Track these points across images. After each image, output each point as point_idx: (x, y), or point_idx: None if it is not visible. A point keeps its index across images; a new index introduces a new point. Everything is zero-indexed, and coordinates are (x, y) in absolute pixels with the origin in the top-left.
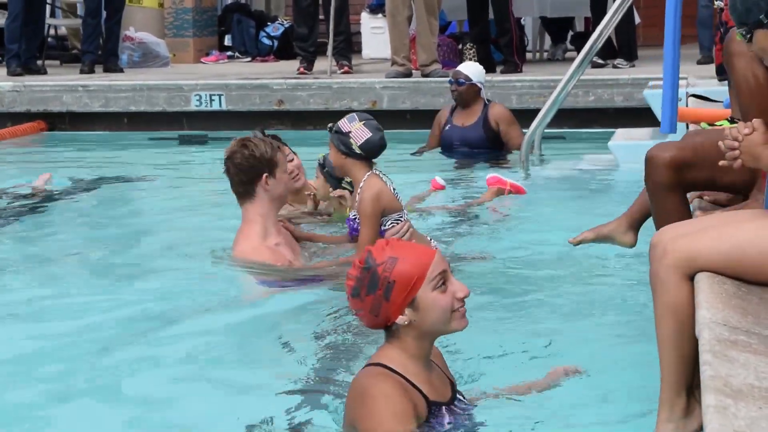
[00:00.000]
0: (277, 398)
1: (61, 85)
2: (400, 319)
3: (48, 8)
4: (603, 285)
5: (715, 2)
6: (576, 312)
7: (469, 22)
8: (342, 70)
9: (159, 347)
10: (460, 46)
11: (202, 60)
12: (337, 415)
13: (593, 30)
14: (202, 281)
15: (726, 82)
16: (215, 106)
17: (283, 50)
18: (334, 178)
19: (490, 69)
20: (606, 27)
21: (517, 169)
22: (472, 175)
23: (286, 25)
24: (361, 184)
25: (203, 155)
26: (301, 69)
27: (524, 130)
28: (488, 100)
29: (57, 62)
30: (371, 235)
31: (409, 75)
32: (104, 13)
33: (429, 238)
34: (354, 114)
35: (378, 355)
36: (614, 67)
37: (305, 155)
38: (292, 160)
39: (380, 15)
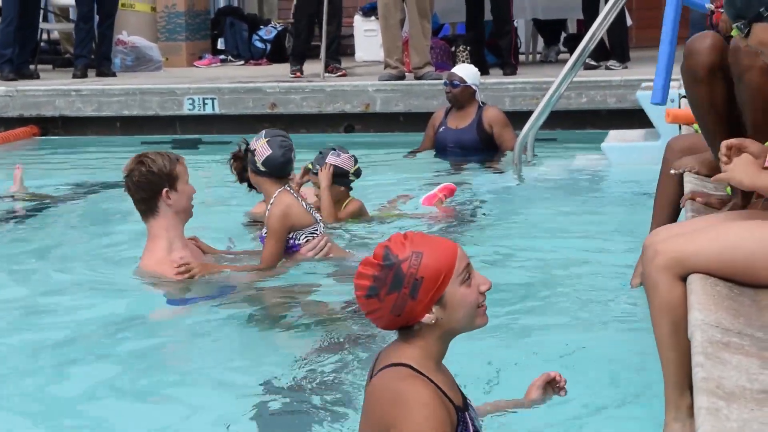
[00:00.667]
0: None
1: (53, 89)
2: (427, 318)
3: (40, 12)
4: (598, 285)
5: (707, 5)
6: (570, 313)
7: (467, 23)
8: (339, 74)
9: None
10: (453, 49)
11: (194, 64)
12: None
13: (586, 32)
14: (109, 295)
15: None
16: (208, 110)
17: (276, 54)
18: (341, 177)
19: (483, 71)
20: (598, 29)
21: (510, 171)
22: (465, 177)
23: (279, 29)
24: (271, 201)
25: (196, 159)
26: (297, 73)
27: (517, 132)
28: (483, 103)
29: (50, 66)
30: (274, 250)
31: (402, 77)
32: (97, 18)
33: (348, 251)
34: (264, 130)
35: (399, 354)
36: (607, 68)
37: (299, 159)
38: None
39: (373, 18)
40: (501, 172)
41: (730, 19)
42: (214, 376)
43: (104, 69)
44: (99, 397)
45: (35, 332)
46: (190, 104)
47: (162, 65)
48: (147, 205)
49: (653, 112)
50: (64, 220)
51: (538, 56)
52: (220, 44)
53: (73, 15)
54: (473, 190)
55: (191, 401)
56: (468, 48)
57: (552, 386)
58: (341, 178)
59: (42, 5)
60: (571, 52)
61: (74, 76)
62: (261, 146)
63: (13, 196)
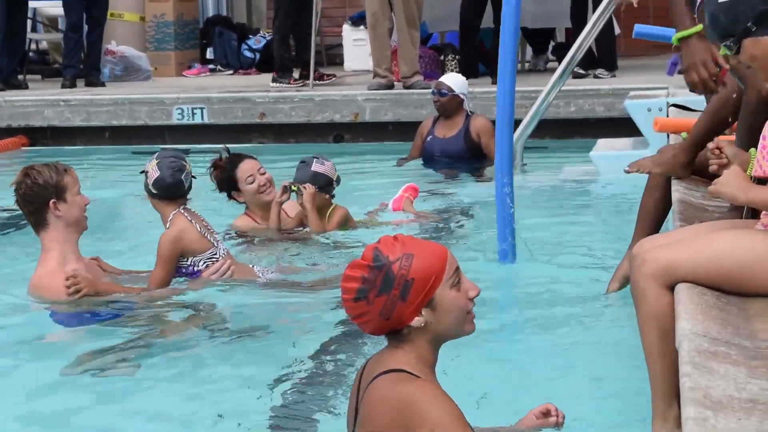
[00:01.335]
0: None
1: (42, 99)
2: (416, 321)
3: (29, 23)
4: (586, 293)
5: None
6: (557, 321)
7: (461, 28)
8: (328, 80)
9: None
10: (441, 58)
11: (183, 73)
12: None
13: (574, 41)
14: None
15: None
16: (197, 120)
17: (265, 63)
18: (326, 186)
19: (473, 75)
20: (586, 37)
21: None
22: (452, 186)
23: (268, 38)
24: (167, 224)
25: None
26: (291, 80)
27: None
28: (471, 112)
29: (38, 77)
30: (162, 275)
31: (391, 87)
32: (86, 27)
33: (255, 268)
34: (160, 152)
35: (392, 360)
36: (595, 77)
37: (289, 168)
38: (263, 174)
39: (362, 27)
40: (489, 181)
41: (715, 40)
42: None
43: (93, 79)
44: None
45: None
46: (179, 114)
47: (151, 75)
48: (36, 218)
49: (642, 121)
50: None
51: (526, 65)
52: (209, 54)
53: (61, 25)
54: (461, 199)
55: None
56: (457, 57)
57: (548, 418)
58: (327, 187)
59: (30, 15)
60: (559, 60)
61: (63, 86)
62: (152, 168)
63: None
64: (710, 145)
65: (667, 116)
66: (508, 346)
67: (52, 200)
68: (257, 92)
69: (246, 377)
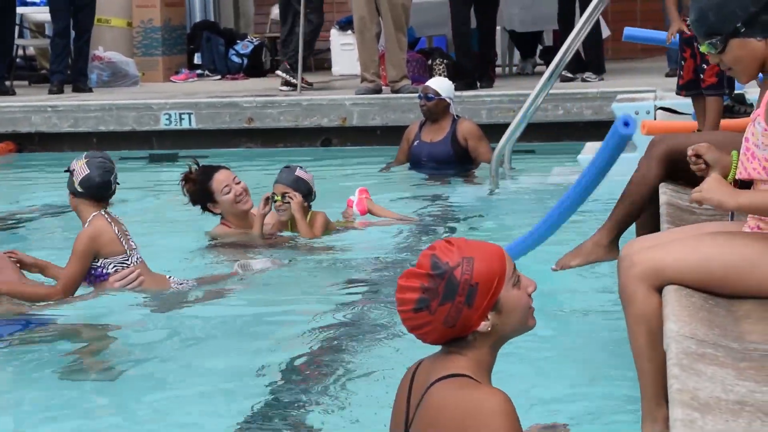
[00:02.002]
0: None
1: (29, 105)
2: (483, 326)
3: (16, 29)
4: (574, 297)
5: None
6: (546, 324)
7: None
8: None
9: None
10: (429, 62)
11: (171, 78)
12: None
13: (562, 44)
14: None
15: (690, 97)
16: (185, 125)
17: (253, 68)
18: (308, 195)
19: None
20: (574, 41)
21: (487, 183)
22: (440, 190)
23: (256, 43)
24: (86, 225)
25: (173, 174)
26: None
27: (494, 145)
28: (457, 116)
29: (25, 82)
30: (75, 270)
31: (378, 91)
32: (73, 33)
33: (168, 277)
34: (88, 152)
35: (452, 365)
36: (583, 80)
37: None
38: (239, 183)
39: (349, 31)
40: (477, 185)
41: (701, 36)
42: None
43: (80, 84)
44: None
45: None
46: (166, 119)
47: (138, 80)
48: None
49: None
50: (39, 236)
51: (514, 69)
52: (197, 59)
53: (48, 31)
54: (450, 203)
55: None
56: (445, 61)
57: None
58: (307, 196)
59: (18, 21)
60: (547, 64)
61: (50, 92)
62: (80, 167)
63: None
64: (689, 151)
65: (655, 119)
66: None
67: None
68: (245, 97)
69: (139, 390)
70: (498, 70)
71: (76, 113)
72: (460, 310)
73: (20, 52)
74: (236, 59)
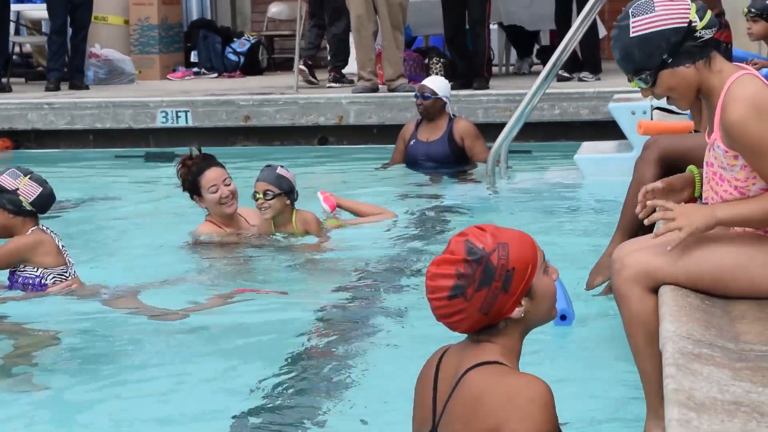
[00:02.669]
0: None
1: (26, 102)
2: (517, 312)
3: (12, 26)
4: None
5: None
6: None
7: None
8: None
9: None
10: (426, 61)
11: (168, 76)
12: None
13: (559, 43)
14: None
15: None
16: (181, 123)
17: (250, 66)
18: (291, 193)
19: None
20: (571, 40)
21: (483, 183)
22: (437, 189)
23: (252, 41)
24: (27, 232)
25: (170, 172)
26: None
27: (490, 144)
28: (453, 115)
29: (22, 80)
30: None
31: (375, 90)
32: (70, 30)
33: (100, 287)
34: (14, 169)
35: (485, 353)
36: (580, 80)
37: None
38: (228, 185)
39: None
40: (474, 184)
41: (630, 73)
42: None
43: (77, 82)
44: None
45: None
46: (163, 117)
47: (135, 78)
48: None
49: (626, 124)
50: None
51: (511, 68)
52: (194, 57)
53: (45, 28)
54: (446, 202)
55: None
56: (441, 60)
57: None
58: (290, 193)
59: (14, 18)
60: (544, 63)
61: (47, 89)
62: (27, 185)
63: None
64: (639, 197)
65: (651, 119)
66: None
67: None
68: (242, 95)
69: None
70: (495, 69)
71: (73, 110)
72: (496, 296)
73: (17, 49)
74: (233, 57)
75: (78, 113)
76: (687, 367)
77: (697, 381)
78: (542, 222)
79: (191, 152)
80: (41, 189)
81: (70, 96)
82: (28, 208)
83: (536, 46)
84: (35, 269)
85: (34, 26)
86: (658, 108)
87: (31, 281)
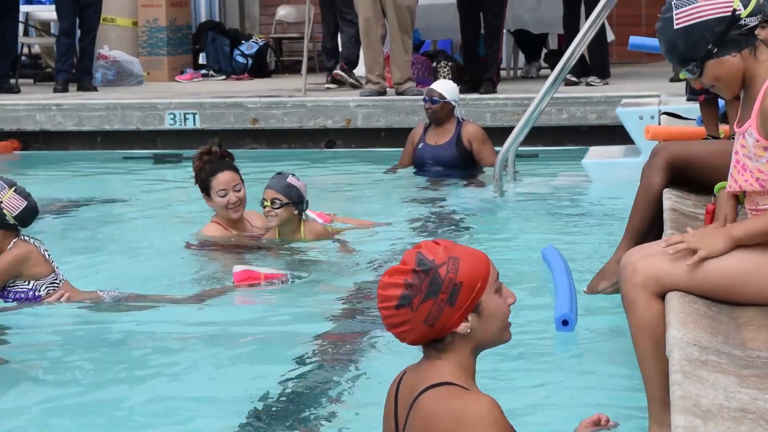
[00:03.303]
0: None
1: (34, 104)
2: (463, 327)
3: (21, 27)
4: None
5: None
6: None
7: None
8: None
9: None
10: (434, 64)
11: (176, 78)
12: None
13: (567, 48)
14: None
15: (696, 101)
16: (189, 125)
17: (258, 68)
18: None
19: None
20: (579, 44)
21: (491, 187)
22: (443, 194)
23: (261, 44)
24: (11, 248)
25: (177, 174)
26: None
27: (498, 148)
28: (462, 119)
29: (30, 81)
30: None
31: (383, 93)
32: (78, 32)
33: (100, 293)
34: (3, 183)
35: (437, 373)
36: (587, 84)
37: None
38: (238, 191)
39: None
40: (481, 188)
41: (676, 65)
42: None
43: (85, 83)
44: None
45: None
46: (171, 119)
47: (143, 80)
48: None
49: (633, 129)
50: (41, 235)
51: (519, 72)
52: (202, 59)
53: (54, 29)
54: (454, 206)
55: None
56: (450, 64)
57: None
58: (299, 204)
59: (23, 20)
60: (552, 67)
61: (55, 91)
62: (11, 198)
63: None
64: (662, 245)
65: (659, 124)
66: (501, 349)
67: None
68: (250, 98)
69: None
70: (503, 73)
71: (81, 112)
72: (441, 309)
73: (25, 50)
74: (241, 60)
75: (86, 115)
76: (694, 374)
77: (704, 388)
78: (549, 226)
79: (210, 146)
80: (26, 203)
81: (79, 97)
82: (12, 221)
83: (544, 50)
84: (27, 282)
85: (43, 27)
86: (665, 113)
87: (23, 295)
